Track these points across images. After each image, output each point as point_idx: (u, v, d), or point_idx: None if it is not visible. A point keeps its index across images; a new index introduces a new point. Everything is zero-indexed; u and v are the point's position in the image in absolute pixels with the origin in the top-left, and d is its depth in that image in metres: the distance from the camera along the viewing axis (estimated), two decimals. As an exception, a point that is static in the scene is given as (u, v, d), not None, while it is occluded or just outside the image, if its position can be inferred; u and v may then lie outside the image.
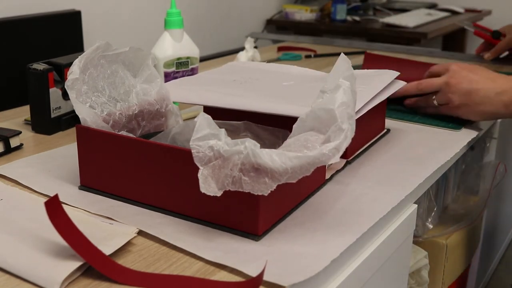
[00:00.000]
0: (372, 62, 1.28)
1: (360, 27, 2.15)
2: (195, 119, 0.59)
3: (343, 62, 0.66)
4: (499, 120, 1.29)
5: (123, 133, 0.70)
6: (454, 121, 1.02)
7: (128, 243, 0.61)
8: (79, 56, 0.71)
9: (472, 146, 1.25)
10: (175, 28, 1.05)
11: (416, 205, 0.79)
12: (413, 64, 1.27)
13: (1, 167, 0.80)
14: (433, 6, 2.55)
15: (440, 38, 2.47)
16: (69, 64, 0.82)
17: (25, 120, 1.01)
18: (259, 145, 0.57)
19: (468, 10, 2.47)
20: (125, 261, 0.58)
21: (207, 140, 0.58)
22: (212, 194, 0.58)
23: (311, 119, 0.62)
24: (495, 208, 1.54)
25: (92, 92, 0.73)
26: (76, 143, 0.73)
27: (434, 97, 1.01)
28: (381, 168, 0.82)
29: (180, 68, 1.06)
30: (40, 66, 0.93)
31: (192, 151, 0.58)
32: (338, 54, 0.72)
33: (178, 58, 1.05)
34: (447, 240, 1.15)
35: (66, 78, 0.69)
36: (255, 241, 0.62)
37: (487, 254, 1.60)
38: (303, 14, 2.28)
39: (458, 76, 0.97)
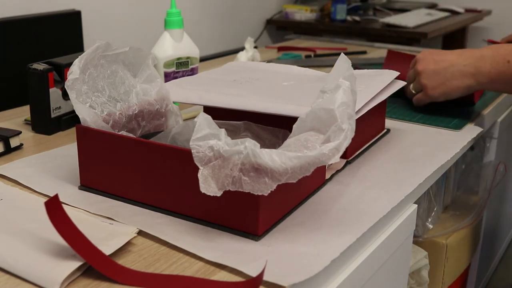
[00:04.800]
0: (394, 60, 1.28)
1: (360, 27, 2.14)
2: (195, 119, 0.59)
3: (343, 62, 0.66)
4: (499, 120, 1.29)
5: (123, 133, 0.70)
6: (454, 121, 1.02)
7: (128, 243, 0.61)
8: (79, 56, 0.71)
9: (472, 146, 1.25)
10: (175, 28, 1.05)
11: (416, 205, 0.79)
12: None
13: (1, 167, 0.80)
14: (433, 6, 2.55)
15: (440, 38, 2.47)
16: (69, 64, 0.82)
17: (25, 120, 1.01)
18: (259, 145, 0.57)
19: (468, 10, 2.47)
20: (125, 261, 0.58)
21: (207, 140, 0.58)
22: (212, 194, 0.58)
23: (311, 119, 0.62)
24: (495, 208, 1.54)
25: (92, 92, 0.73)
26: (76, 143, 0.73)
27: (410, 86, 1.05)
28: (381, 168, 0.82)
29: (180, 68, 1.06)
30: (40, 66, 0.93)
31: (192, 151, 0.58)
32: (338, 54, 0.72)
33: (178, 58, 1.05)
34: (447, 240, 1.15)
35: (66, 78, 0.69)
36: (255, 241, 0.62)
37: (487, 254, 1.60)
38: (303, 14, 2.28)
39: (424, 61, 1.01)
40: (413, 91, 1.05)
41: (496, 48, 0.96)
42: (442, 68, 0.98)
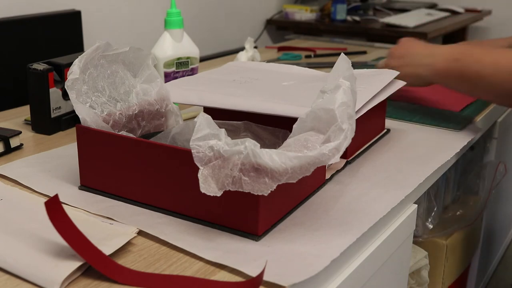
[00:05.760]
0: None
1: (360, 27, 2.14)
2: (195, 119, 0.59)
3: (343, 62, 0.66)
4: (499, 120, 1.29)
5: (123, 133, 0.70)
6: (454, 121, 1.03)
7: (128, 243, 0.61)
8: (79, 56, 0.71)
9: (472, 146, 1.25)
10: (175, 28, 1.05)
11: (416, 205, 0.79)
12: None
13: (1, 167, 0.80)
14: (433, 6, 2.55)
15: (440, 38, 2.47)
16: (69, 64, 0.82)
17: (25, 120, 1.01)
18: (259, 145, 0.57)
19: (468, 10, 2.47)
20: (125, 261, 0.58)
21: (207, 140, 0.58)
22: (212, 194, 0.58)
23: (311, 119, 0.62)
24: (495, 208, 1.54)
25: (92, 92, 0.73)
26: (76, 143, 0.73)
27: (379, 63, 1.10)
28: (381, 168, 0.82)
29: (180, 68, 1.06)
30: (40, 66, 0.93)
31: (192, 151, 0.58)
32: (338, 54, 0.72)
33: (178, 58, 1.05)
34: (447, 240, 1.16)
35: (66, 78, 0.69)
36: (255, 241, 0.62)
37: (487, 254, 1.60)
38: (303, 14, 2.28)
39: (399, 45, 1.07)
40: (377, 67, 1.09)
41: (456, 46, 0.99)
42: (406, 53, 1.03)
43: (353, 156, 0.85)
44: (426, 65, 0.98)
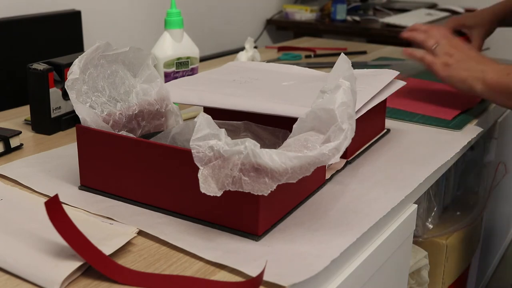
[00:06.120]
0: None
1: (360, 27, 2.15)
2: (195, 119, 0.59)
3: (343, 62, 0.66)
4: (499, 120, 1.29)
5: (123, 133, 0.70)
6: (454, 121, 1.02)
7: (128, 243, 0.61)
8: (79, 56, 0.71)
9: (472, 146, 1.25)
10: (175, 28, 1.05)
11: (416, 205, 0.79)
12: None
13: (1, 167, 0.80)
14: (433, 6, 2.55)
15: (440, 38, 2.47)
16: (69, 64, 0.82)
17: (25, 120, 1.01)
18: (259, 145, 0.57)
19: (468, 10, 2.47)
20: (125, 261, 0.58)
21: (207, 140, 0.58)
22: (212, 194, 0.58)
23: (311, 119, 0.62)
24: (495, 208, 1.54)
25: (92, 92, 0.73)
26: (76, 143, 0.73)
27: (435, 46, 1.03)
28: (381, 168, 0.82)
29: (180, 68, 1.06)
30: (40, 66, 0.93)
31: (192, 151, 0.58)
32: (338, 54, 0.72)
33: (178, 58, 1.05)
34: (447, 240, 1.16)
35: (66, 78, 0.69)
36: (255, 241, 0.62)
37: (487, 254, 1.60)
38: (303, 14, 2.28)
39: (447, 40, 1.03)
40: (436, 49, 1.04)
41: (508, 66, 0.97)
42: (456, 53, 1.00)
43: (353, 156, 0.85)
44: (477, 77, 0.96)
